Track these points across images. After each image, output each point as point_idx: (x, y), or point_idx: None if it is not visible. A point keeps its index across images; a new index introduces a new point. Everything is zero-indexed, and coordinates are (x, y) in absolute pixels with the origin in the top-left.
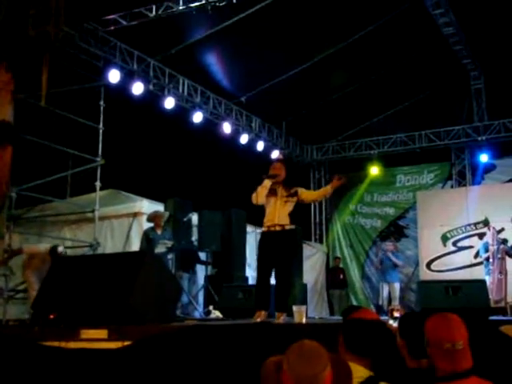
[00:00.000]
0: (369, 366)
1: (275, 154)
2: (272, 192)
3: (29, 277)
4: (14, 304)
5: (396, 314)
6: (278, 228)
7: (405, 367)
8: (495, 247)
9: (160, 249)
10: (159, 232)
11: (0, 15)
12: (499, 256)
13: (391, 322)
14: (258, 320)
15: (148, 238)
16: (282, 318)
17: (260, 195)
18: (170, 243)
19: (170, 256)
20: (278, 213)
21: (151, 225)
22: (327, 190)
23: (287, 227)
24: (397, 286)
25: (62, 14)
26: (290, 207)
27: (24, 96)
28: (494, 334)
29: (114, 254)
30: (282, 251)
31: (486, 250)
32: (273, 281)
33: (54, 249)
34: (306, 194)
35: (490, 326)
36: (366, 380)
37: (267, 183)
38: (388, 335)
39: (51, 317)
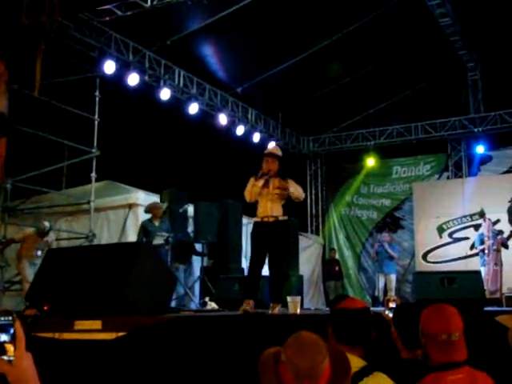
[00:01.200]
0: (362, 355)
1: (270, 145)
2: (265, 184)
3: (22, 268)
4: (9, 296)
5: (392, 305)
6: (271, 219)
7: (399, 357)
8: (491, 239)
9: (158, 240)
10: (157, 224)
11: None
12: (494, 247)
13: (387, 312)
14: (248, 308)
15: (146, 230)
16: (277, 309)
17: (253, 194)
18: (167, 235)
19: (167, 247)
20: (271, 204)
21: (149, 216)
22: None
23: (281, 218)
24: (393, 277)
25: (57, 4)
26: (282, 199)
27: (18, 86)
28: (489, 324)
29: (109, 244)
30: (275, 242)
31: (482, 242)
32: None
33: (40, 228)
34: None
35: (485, 316)
36: (360, 370)
37: (259, 182)
38: (378, 323)
39: (45, 308)
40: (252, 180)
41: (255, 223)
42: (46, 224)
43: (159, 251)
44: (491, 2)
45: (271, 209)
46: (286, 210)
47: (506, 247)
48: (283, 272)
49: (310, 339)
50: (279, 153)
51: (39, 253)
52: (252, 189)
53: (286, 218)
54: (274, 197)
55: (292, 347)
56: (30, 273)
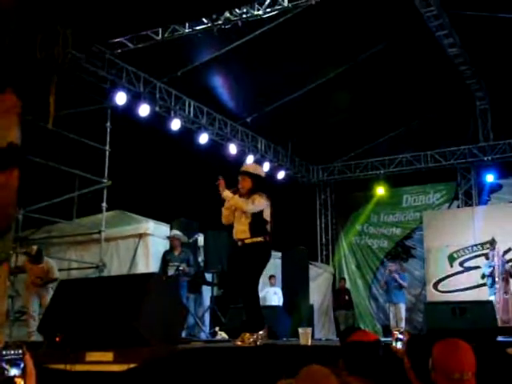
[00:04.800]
0: None
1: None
2: None
3: (25, 300)
4: (19, 326)
5: (399, 336)
6: (239, 243)
7: None
8: (500, 268)
9: (171, 271)
10: (176, 253)
11: (7, 39)
12: (503, 276)
13: (394, 343)
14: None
15: (164, 259)
16: (243, 339)
17: (223, 216)
18: (180, 265)
19: (185, 278)
20: (236, 226)
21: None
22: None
23: (247, 241)
24: (402, 306)
25: (70, 37)
26: (248, 218)
27: (31, 118)
28: (501, 355)
29: (121, 276)
30: (240, 267)
31: (490, 272)
32: (279, 301)
33: (27, 251)
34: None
35: (497, 346)
36: None
37: (226, 204)
38: (389, 356)
39: (57, 339)
40: (226, 202)
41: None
42: (34, 247)
43: (177, 281)
44: (498, 32)
45: (237, 231)
46: (296, 239)
47: None
48: (248, 299)
49: (321, 373)
50: (250, 169)
51: (39, 280)
52: (223, 211)
53: (256, 239)
54: (238, 218)
55: (304, 381)
56: (33, 305)
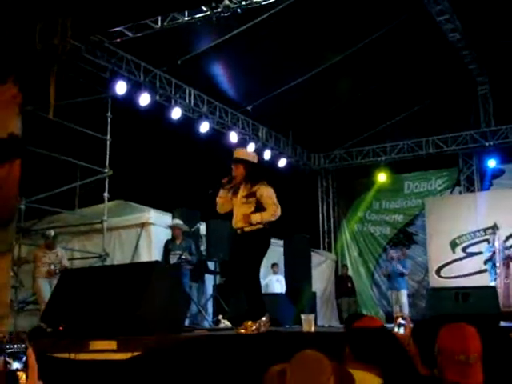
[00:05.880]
0: (378, 373)
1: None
2: (235, 192)
3: (37, 289)
4: (23, 316)
5: (401, 321)
6: (238, 231)
7: (416, 375)
8: (500, 252)
9: (173, 259)
10: (178, 242)
11: (7, 29)
12: (504, 261)
13: (396, 329)
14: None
15: (166, 248)
16: (246, 327)
17: (219, 206)
18: (182, 254)
19: (188, 267)
20: (236, 214)
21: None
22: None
23: (246, 229)
24: (404, 293)
25: (69, 28)
26: (249, 207)
27: (32, 108)
28: (504, 340)
29: (124, 264)
30: (241, 255)
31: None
32: (282, 288)
33: (45, 237)
34: (264, 201)
35: (500, 332)
36: None
37: (222, 193)
38: (394, 342)
39: (60, 328)
40: (221, 191)
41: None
42: (51, 232)
43: (180, 270)
44: (500, 17)
45: (236, 219)
46: (298, 227)
47: None
48: (250, 287)
49: (314, 358)
50: (241, 155)
51: (52, 267)
52: (217, 200)
53: (255, 227)
54: (239, 206)
55: (297, 366)
56: (46, 291)
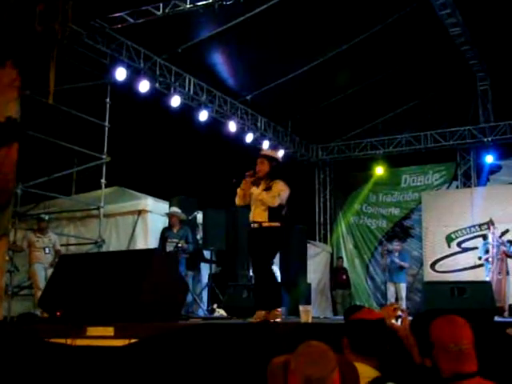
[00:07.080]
0: (375, 365)
1: (264, 146)
2: (256, 186)
3: (33, 274)
4: (18, 300)
5: (398, 313)
6: (255, 225)
7: (412, 366)
8: (494, 248)
9: (169, 247)
10: (175, 231)
11: (6, 12)
12: (499, 257)
13: (393, 321)
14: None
15: (163, 236)
16: (255, 316)
17: (238, 197)
18: (178, 242)
19: (184, 255)
20: (255, 209)
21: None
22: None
23: (265, 224)
24: (403, 286)
25: (69, 12)
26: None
27: (30, 92)
28: (499, 335)
29: (122, 251)
30: (257, 249)
31: (487, 251)
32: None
33: (39, 219)
34: (273, 189)
35: (495, 327)
36: (373, 380)
37: (243, 185)
38: (392, 334)
39: (58, 314)
40: (243, 182)
41: (248, 230)
42: (45, 216)
43: (176, 258)
44: (502, 12)
45: (254, 214)
46: (294, 217)
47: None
48: (267, 281)
49: (319, 349)
50: (269, 153)
51: (47, 250)
52: (238, 191)
53: (273, 224)
54: (258, 200)
55: (302, 357)
56: (42, 277)
